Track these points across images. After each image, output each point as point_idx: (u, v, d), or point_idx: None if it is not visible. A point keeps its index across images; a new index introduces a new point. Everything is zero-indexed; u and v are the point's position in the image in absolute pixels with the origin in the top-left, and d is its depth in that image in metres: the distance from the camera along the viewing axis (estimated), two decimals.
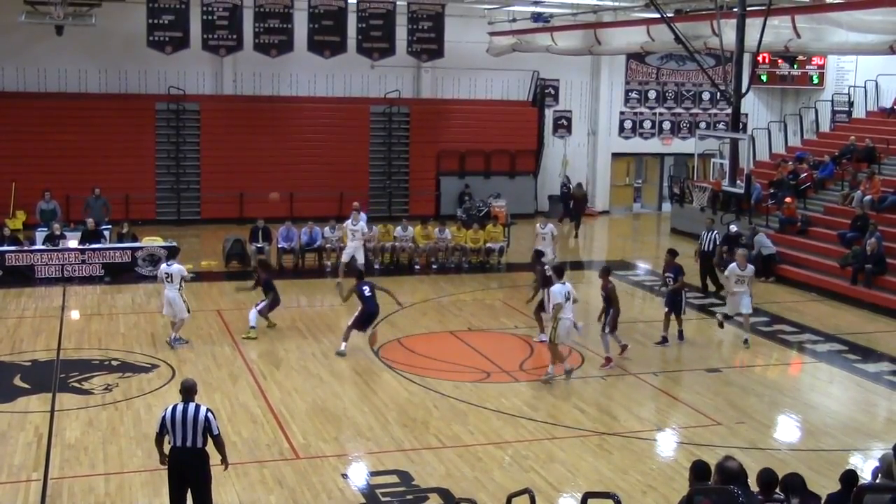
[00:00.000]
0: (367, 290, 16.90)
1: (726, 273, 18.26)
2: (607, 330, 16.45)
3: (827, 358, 17.68)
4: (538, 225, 23.24)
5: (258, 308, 18.10)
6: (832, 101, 34.33)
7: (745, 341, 18.02)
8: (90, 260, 22.38)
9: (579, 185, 33.23)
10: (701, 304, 21.69)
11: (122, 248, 22.85)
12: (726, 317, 18.53)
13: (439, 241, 24.75)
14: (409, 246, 24.63)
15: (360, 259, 21.92)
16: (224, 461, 9.94)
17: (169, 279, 16.83)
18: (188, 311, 17.07)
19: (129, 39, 28.10)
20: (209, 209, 30.33)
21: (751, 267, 18.35)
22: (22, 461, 11.93)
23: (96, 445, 12.47)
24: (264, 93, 31.45)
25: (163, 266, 17.43)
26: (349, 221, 22.66)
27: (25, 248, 22.51)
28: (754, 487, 8.09)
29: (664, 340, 17.96)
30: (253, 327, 17.82)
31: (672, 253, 18.71)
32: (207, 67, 30.57)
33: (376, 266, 24.35)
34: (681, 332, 18.18)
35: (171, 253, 16.81)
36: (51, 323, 18.60)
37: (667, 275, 18.33)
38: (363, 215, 23.55)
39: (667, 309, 18.19)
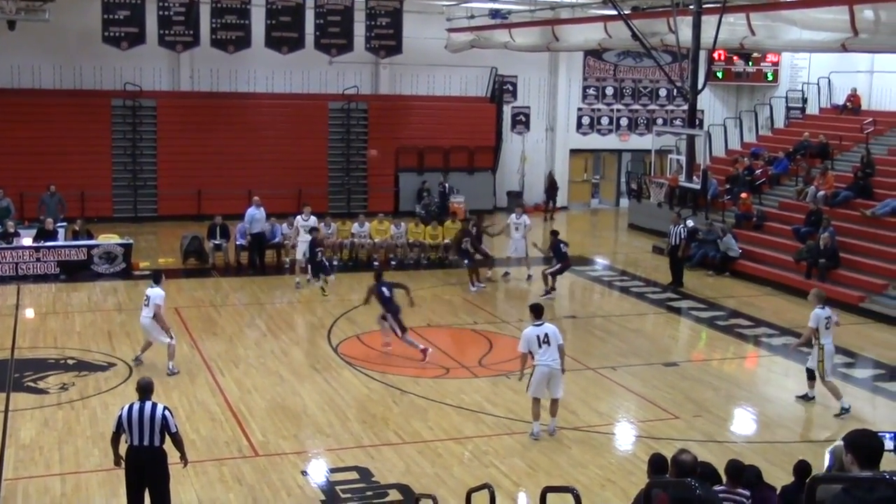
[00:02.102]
0: (385, 291, 16.70)
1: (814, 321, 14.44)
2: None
3: (782, 351, 17.87)
4: (513, 215, 23.65)
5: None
6: (786, 97, 34.72)
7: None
8: (45, 258, 22.10)
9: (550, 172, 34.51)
10: (659, 298, 21.88)
11: (78, 246, 22.59)
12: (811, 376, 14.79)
13: (395, 237, 24.74)
14: (368, 242, 24.61)
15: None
16: (183, 458, 9.89)
17: (146, 302, 15.52)
18: (170, 337, 15.52)
19: (83, 35, 27.79)
20: (166, 206, 30.08)
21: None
22: None
23: (52, 445, 12.34)
24: (222, 89, 31.24)
25: (147, 289, 15.87)
26: (300, 217, 22.67)
27: None
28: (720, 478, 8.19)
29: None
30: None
31: (555, 233, 21.84)
32: (164, 63, 30.31)
33: (335, 262, 24.29)
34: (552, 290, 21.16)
35: (156, 277, 15.83)
36: (5, 322, 18.36)
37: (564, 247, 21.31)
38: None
39: (554, 271, 21.31)
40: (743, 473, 8.27)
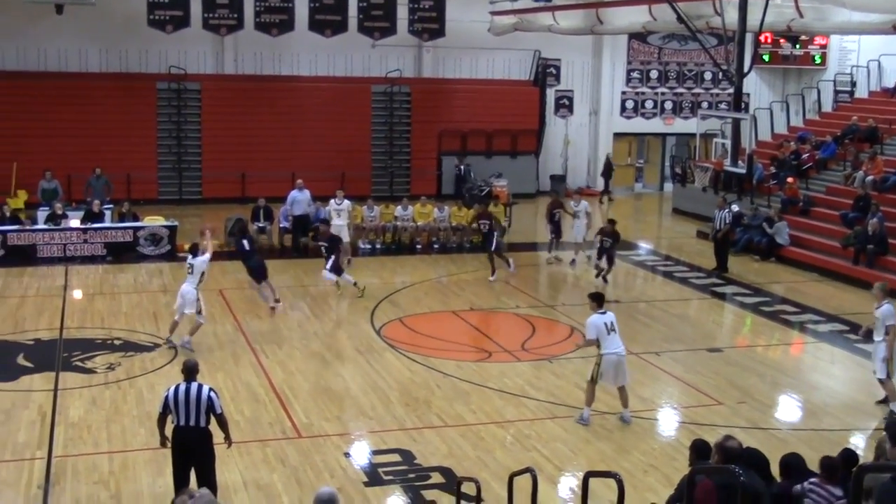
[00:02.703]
0: (246, 245, 18.09)
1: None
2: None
3: (828, 338, 17.70)
4: (571, 202, 23.64)
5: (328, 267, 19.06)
6: (835, 81, 34.22)
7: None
8: (92, 239, 22.38)
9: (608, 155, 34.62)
10: (703, 283, 21.72)
11: (124, 228, 22.85)
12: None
13: (438, 220, 24.75)
14: (410, 225, 24.64)
15: (346, 238, 21.86)
16: (227, 439, 10.00)
17: (190, 270, 15.81)
18: (201, 315, 15.78)
19: (129, 18, 28.01)
20: (210, 188, 30.30)
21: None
22: (26, 440, 11.97)
23: (100, 424, 12.52)
24: (265, 72, 31.36)
25: (189, 257, 16.22)
26: (333, 201, 22.63)
27: (27, 227, 22.50)
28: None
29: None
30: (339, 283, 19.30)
31: (612, 222, 21.49)
32: (208, 47, 30.49)
33: (378, 246, 24.39)
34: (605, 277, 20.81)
35: (194, 249, 16.09)
36: (53, 302, 18.63)
37: (605, 238, 20.93)
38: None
39: (598, 256, 21.19)
40: (837, 471, 7.81)
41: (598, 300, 13.14)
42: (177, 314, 15.81)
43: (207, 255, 15.96)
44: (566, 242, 23.57)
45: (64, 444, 11.84)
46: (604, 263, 21.09)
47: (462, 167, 31.34)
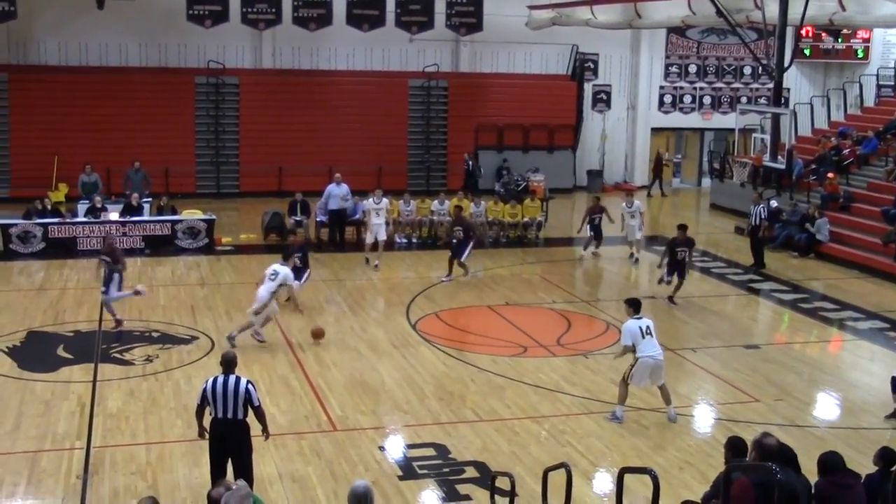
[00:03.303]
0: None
1: None
2: None
3: (868, 335, 17.49)
4: (624, 204, 23.06)
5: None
6: (877, 75, 33.79)
7: None
8: (131, 232, 22.59)
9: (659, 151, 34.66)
10: (740, 279, 21.54)
11: (163, 221, 23.05)
12: None
13: (474, 215, 24.71)
14: (447, 220, 24.61)
15: (382, 237, 21.77)
16: (265, 432, 10.07)
17: (273, 277, 15.76)
18: (269, 317, 15.89)
19: (168, 13, 28.26)
20: (248, 182, 30.48)
21: None
22: (65, 430, 12.12)
23: (137, 415, 12.64)
24: (303, 66, 31.48)
25: (275, 265, 16.17)
26: (372, 199, 22.34)
27: (68, 220, 22.75)
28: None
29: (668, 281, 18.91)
30: None
31: (683, 228, 19.30)
32: (246, 41, 30.65)
33: (414, 240, 24.41)
34: (671, 298, 18.78)
35: (285, 255, 16.42)
36: (93, 294, 18.76)
37: (679, 249, 18.90)
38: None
39: (667, 272, 19.01)
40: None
41: (633, 305, 13.06)
42: (254, 317, 15.83)
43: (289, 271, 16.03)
44: (612, 237, 23.24)
45: (102, 435, 11.97)
46: (674, 278, 18.92)
47: (470, 162, 31.00)
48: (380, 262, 21.52)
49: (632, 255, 22.83)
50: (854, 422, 13.18)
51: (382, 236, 21.87)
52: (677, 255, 18.86)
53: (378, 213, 22.05)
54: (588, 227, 22.99)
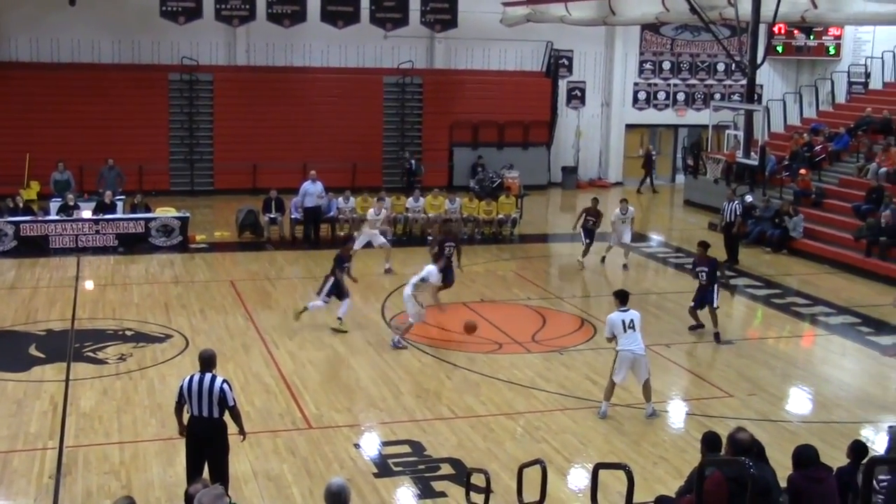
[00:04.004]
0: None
1: None
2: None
3: (840, 330, 17.65)
4: (618, 211, 21.83)
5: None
6: (849, 72, 34.03)
7: None
8: (104, 230, 22.44)
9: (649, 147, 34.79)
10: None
11: (136, 219, 22.91)
12: None
13: (449, 212, 24.74)
14: (422, 217, 24.64)
15: (381, 241, 21.33)
16: (241, 432, 10.01)
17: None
18: (418, 315, 15.82)
19: (142, 9, 28.07)
20: (222, 180, 30.35)
21: None
22: (38, 430, 12.03)
23: (111, 414, 12.57)
24: (277, 63, 31.37)
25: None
26: (372, 211, 21.85)
27: (40, 218, 22.57)
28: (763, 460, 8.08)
29: (698, 326, 16.79)
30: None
31: (704, 245, 16.91)
32: (220, 38, 30.51)
33: (389, 237, 24.36)
34: (716, 335, 16.36)
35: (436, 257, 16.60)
36: (65, 293, 18.70)
37: (699, 269, 16.67)
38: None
39: (693, 304, 16.71)
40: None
41: (619, 297, 13.12)
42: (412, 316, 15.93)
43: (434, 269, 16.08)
44: (603, 234, 23.07)
45: (75, 435, 11.89)
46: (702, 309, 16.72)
47: (412, 162, 30.47)
48: (391, 263, 21.05)
49: (625, 265, 22.00)
50: (826, 416, 13.30)
51: (381, 240, 21.29)
52: (701, 277, 16.58)
53: (374, 224, 21.60)
54: (582, 230, 21.81)
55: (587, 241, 21.77)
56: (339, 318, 16.48)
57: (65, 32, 29.20)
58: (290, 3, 27.48)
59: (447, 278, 17.49)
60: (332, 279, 16.66)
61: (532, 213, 27.59)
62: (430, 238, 20.60)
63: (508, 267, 22.14)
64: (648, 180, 34.17)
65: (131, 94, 29.13)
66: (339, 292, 16.67)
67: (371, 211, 22.07)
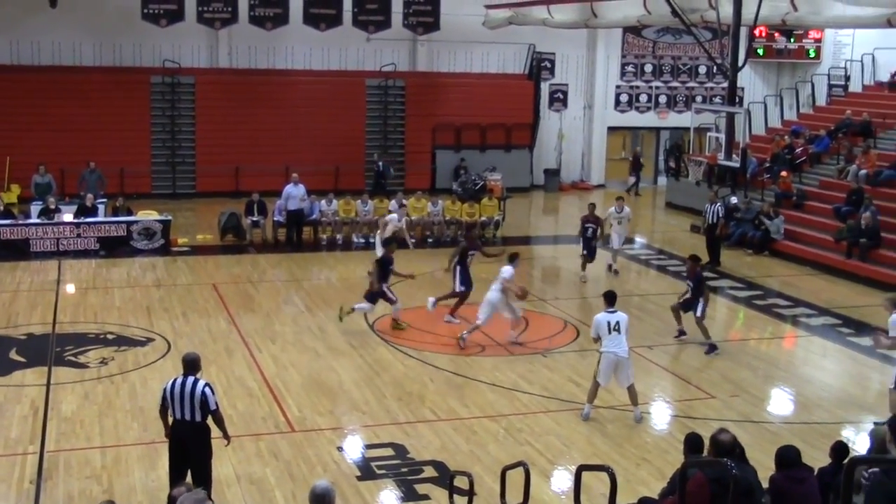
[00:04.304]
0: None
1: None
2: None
3: (821, 332, 17.74)
4: (613, 209, 21.75)
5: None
6: (829, 75, 34.22)
7: None
8: (85, 234, 22.34)
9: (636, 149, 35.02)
10: None
11: (118, 222, 22.82)
12: None
13: (431, 214, 24.74)
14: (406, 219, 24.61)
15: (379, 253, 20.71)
16: (225, 436, 9.96)
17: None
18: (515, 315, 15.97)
19: (123, 12, 27.96)
20: (204, 183, 30.25)
21: None
22: (18, 434, 11.96)
23: (92, 419, 12.51)
24: (260, 66, 31.30)
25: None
26: (395, 216, 21.59)
27: (20, 221, 22.47)
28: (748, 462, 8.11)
29: (682, 332, 16.71)
30: None
31: (695, 259, 16.76)
32: (202, 40, 30.41)
33: (371, 240, 24.34)
34: (711, 346, 16.09)
35: (511, 257, 16.47)
36: (46, 296, 18.60)
37: (689, 283, 16.57)
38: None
39: (678, 303, 16.69)
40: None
41: (606, 298, 13.14)
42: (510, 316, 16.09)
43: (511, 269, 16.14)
44: (571, 237, 22.96)
45: (56, 439, 11.83)
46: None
47: (380, 164, 30.05)
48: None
49: (610, 266, 21.73)
50: (807, 417, 13.37)
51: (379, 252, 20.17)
52: (688, 288, 16.53)
53: (401, 230, 21.47)
54: (582, 240, 20.91)
55: (584, 252, 20.80)
56: (354, 309, 16.70)
57: (45, 35, 29.04)
58: (272, 6, 27.43)
59: (467, 285, 17.49)
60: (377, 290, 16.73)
61: (515, 215, 27.61)
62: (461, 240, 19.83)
63: (491, 269, 22.08)
64: (637, 182, 34.26)
65: (113, 97, 29.01)
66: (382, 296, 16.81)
67: (394, 216, 21.66)
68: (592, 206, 21.55)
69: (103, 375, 14.16)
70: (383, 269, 16.86)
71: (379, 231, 21.37)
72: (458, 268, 17.46)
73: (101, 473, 10.92)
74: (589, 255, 20.90)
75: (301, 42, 30.54)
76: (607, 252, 21.93)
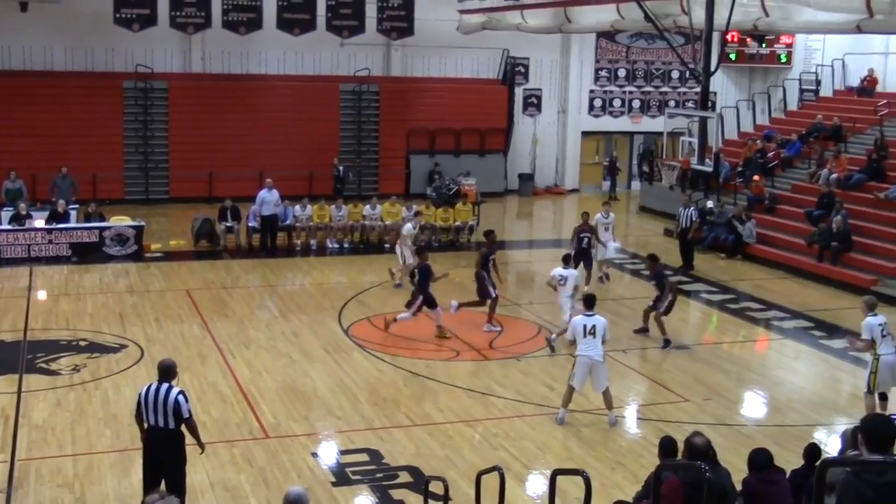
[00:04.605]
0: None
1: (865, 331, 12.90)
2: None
3: (793, 334, 17.87)
4: (600, 215, 21.26)
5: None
6: (800, 79, 34.48)
7: None
8: (57, 240, 22.16)
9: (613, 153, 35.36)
10: (670, 281, 21.76)
11: (90, 228, 22.66)
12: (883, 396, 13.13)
13: (406, 219, 24.66)
14: (379, 224, 24.61)
15: (409, 259, 19.88)
16: (199, 444, 9.89)
17: (562, 282, 16.27)
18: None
19: (95, 16, 27.77)
20: (178, 188, 30.10)
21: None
22: None
23: (64, 426, 12.40)
24: (233, 71, 31.18)
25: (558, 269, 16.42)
26: (410, 225, 20.89)
27: None
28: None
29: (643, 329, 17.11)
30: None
31: (653, 258, 17.37)
32: (175, 45, 30.27)
33: (346, 245, 24.34)
34: (665, 341, 16.51)
35: (566, 259, 16.58)
36: (17, 303, 18.43)
37: (653, 282, 17.19)
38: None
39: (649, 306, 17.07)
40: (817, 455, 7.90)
41: (586, 302, 13.26)
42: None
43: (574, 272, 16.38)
44: (544, 241, 23.04)
45: (27, 448, 11.72)
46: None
47: (341, 167, 29.51)
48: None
49: (601, 277, 21.16)
50: (780, 419, 13.45)
51: (410, 259, 19.72)
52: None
53: (413, 237, 20.88)
54: (574, 248, 19.75)
55: (582, 264, 19.73)
56: (439, 327, 16.83)
57: (16, 39, 28.81)
58: (245, 11, 27.35)
59: (494, 288, 17.57)
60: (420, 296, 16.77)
61: (489, 220, 27.60)
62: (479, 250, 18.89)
63: (466, 274, 22.08)
64: (613, 187, 34.43)
65: (85, 102, 28.81)
66: (430, 303, 16.83)
67: (409, 226, 20.90)
68: (586, 214, 20.81)
69: (75, 382, 14.05)
70: (425, 277, 16.77)
71: (399, 241, 20.63)
72: (483, 273, 17.49)
73: (73, 482, 10.83)
74: (587, 266, 20.05)
75: (275, 47, 30.45)
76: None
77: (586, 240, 20.07)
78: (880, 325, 12.77)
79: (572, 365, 12.93)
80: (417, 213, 22.95)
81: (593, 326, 12.74)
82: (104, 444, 11.81)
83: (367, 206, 24.79)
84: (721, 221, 24.90)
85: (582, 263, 19.64)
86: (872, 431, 5.64)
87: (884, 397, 13.06)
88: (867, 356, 13.15)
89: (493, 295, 17.42)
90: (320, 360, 15.45)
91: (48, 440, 11.98)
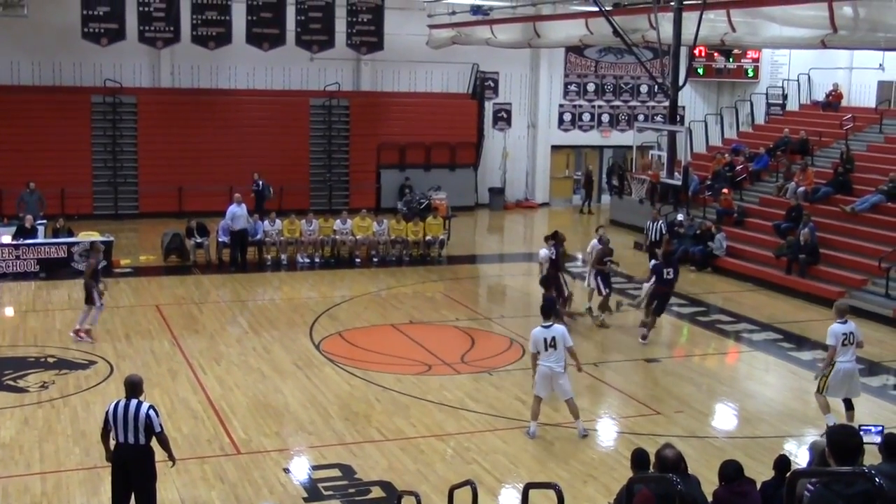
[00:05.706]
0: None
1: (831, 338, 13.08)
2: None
3: (763, 347, 17.99)
4: (595, 241, 19.63)
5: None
6: (767, 94, 34.85)
7: None
8: (24, 255, 21.94)
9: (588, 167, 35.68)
10: (640, 294, 21.87)
11: (58, 244, 22.45)
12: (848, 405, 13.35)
13: (377, 234, 24.71)
14: (350, 239, 24.58)
15: None
16: (171, 458, 9.83)
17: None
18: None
19: (63, 30, 27.61)
20: (147, 203, 29.93)
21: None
22: None
23: (32, 444, 12.26)
24: (203, 86, 31.08)
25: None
26: (544, 251, 19.53)
27: None
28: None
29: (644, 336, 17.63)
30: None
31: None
32: (144, 60, 30.14)
33: (317, 259, 24.28)
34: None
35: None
36: None
37: (606, 259, 18.86)
38: None
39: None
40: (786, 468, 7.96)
41: (543, 313, 13.09)
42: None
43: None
44: (515, 254, 23.23)
45: None
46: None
47: (261, 182, 28.49)
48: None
49: (619, 302, 19.92)
50: (751, 431, 13.53)
51: None
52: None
53: None
54: (600, 278, 18.92)
55: (607, 290, 18.91)
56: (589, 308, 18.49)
57: None
58: (214, 25, 27.27)
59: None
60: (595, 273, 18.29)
61: (460, 234, 27.69)
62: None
63: (436, 288, 22.17)
64: (588, 200, 34.64)
65: (52, 117, 28.61)
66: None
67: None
68: (607, 238, 19.68)
69: (44, 400, 13.90)
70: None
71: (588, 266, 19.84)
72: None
73: (41, 500, 10.71)
74: (606, 286, 18.94)
75: (244, 62, 30.41)
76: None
77: (609, 262, 19.25)
78: (844, 333, 12.97)
79: (533, 375, 12.94)
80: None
81: (553, 339, 12.67)
82: (73, 462, 11.69)
83: (338, 221, 24.75)
84: (690, 234, 25.06)
85: (608, 290, 18.92)
86: (839, 444, 5.70)
87: (849, 406, 13.22)
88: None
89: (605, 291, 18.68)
90: (291, 376, 15.39)
91: (16, 458, 11.84)
